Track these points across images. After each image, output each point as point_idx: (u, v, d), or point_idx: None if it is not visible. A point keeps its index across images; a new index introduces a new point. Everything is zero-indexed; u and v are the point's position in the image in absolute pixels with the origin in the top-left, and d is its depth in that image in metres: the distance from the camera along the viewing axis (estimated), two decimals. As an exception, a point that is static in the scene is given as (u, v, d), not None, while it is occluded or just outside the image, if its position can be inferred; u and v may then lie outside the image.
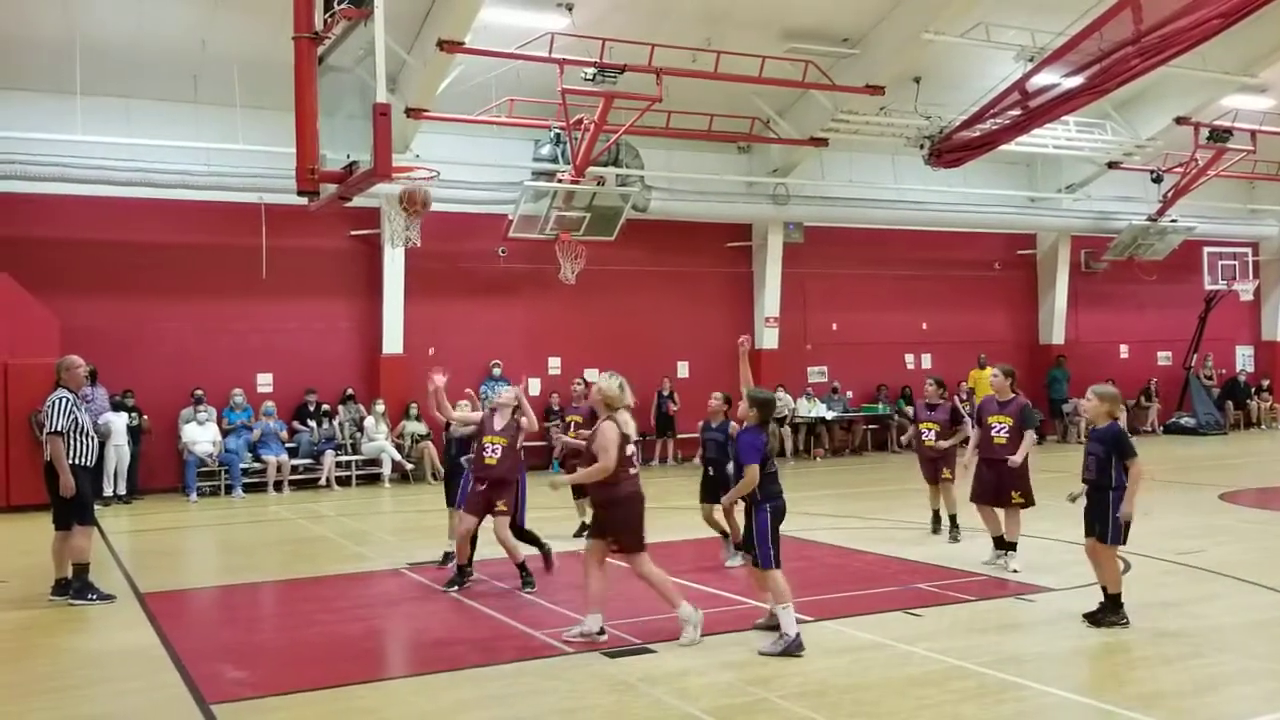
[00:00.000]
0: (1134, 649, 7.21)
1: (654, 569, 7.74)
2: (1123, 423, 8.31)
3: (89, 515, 9.43)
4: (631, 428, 7.78)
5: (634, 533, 7.70)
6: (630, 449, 7.68)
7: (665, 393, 20.96)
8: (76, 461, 9.22)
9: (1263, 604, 8.51)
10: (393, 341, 19.37)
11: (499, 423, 9.38)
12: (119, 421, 16.51)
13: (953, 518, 11.44)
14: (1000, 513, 9.99)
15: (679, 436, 20.84)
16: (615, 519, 7.72)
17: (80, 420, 9.29)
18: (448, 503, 10.41)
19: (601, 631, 7.65)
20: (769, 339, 22.20)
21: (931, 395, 11.68)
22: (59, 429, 9.14)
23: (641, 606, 8.68)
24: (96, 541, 10.22)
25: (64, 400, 9.27)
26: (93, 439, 9.48)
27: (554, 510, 11.99)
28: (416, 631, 8.52)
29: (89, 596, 9.30)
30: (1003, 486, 9.90)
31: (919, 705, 6.14)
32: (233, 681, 7.07)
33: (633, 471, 7.74)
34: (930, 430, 11.40)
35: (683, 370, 21.76)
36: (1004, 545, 9.97)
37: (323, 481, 18.16)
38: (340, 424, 18.74)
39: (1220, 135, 22.54)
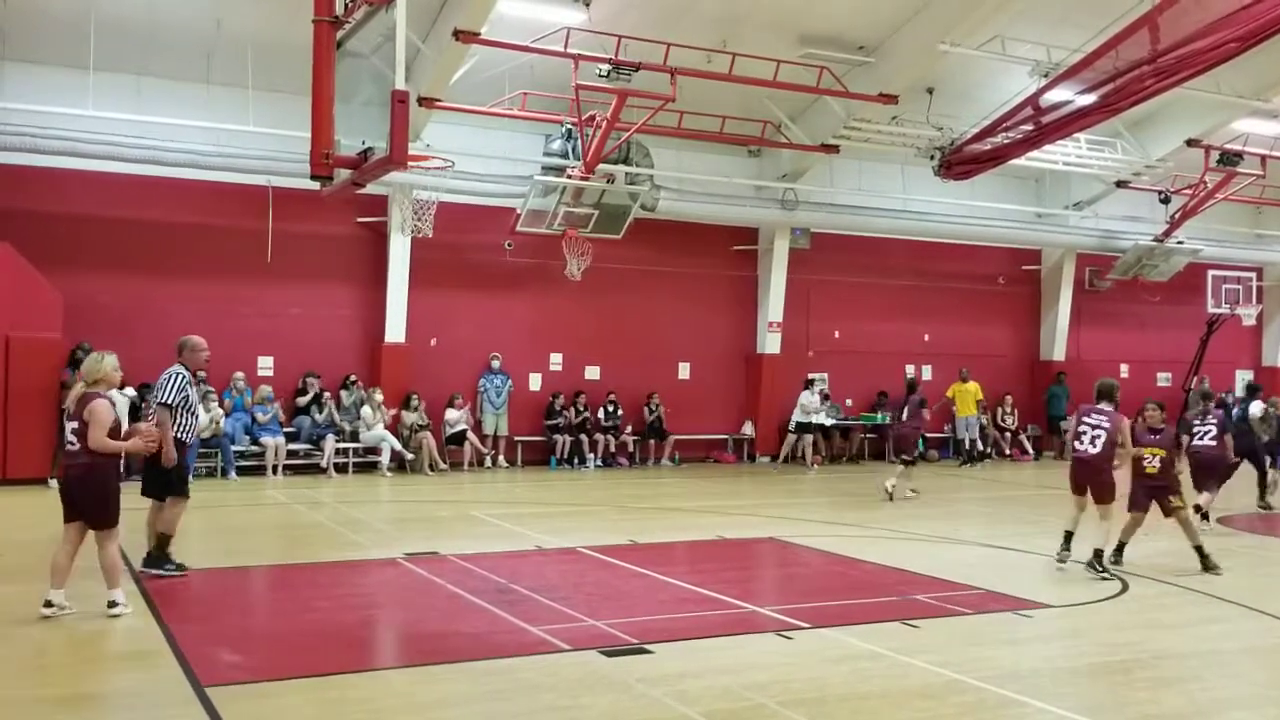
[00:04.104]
0: (1134, 670, 7.17)
1: (112, 550, 8.07)
2: None
3: (185, 487, 9.72)
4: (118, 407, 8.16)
5: (102, 508, 8.05)
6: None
7: (652, 406, 20.97)
8: (179, 436, 9.53)
9: (1262, 629, 8.49)
10: (395, 330, 19.30)
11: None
12: (121, 399, 16.42)
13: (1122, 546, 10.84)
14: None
15: (675, 438, 20.95)
16: (85, 494, 8.02)
17: (190, 397, 9.66)
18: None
19: (50, 604, 7.90)
20: (771, 344, 22.13)
21: (1155, 419, 11.15)
22: (169, 401, 9.44)
23: (640, 607, 8.66)
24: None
25: (179, 376, 9.59)
26: (196, 417, 9.92)
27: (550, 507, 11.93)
28: (412, 623, 8.49)
29: (165, 567, 9.45)
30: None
31: (918, 718, 6.11)
32: (228, 665, 7.04)
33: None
34: (1155, 456, 10.77)
35: (683, 372, 21.72)
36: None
37: (323, 465, 18.13)
38: (344, 407, 18.66)
39: (1230, 159, 22.48)
